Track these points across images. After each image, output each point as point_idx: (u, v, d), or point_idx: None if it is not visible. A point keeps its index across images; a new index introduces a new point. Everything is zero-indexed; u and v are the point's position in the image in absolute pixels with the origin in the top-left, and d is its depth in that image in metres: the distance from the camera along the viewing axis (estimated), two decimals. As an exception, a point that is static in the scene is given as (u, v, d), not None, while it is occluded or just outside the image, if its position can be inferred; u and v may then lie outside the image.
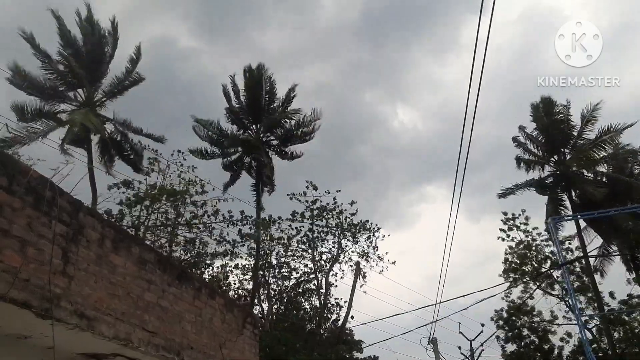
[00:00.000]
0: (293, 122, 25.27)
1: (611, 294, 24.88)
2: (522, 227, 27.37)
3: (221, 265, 24.00)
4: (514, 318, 27.29)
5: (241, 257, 24.67)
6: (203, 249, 22.23)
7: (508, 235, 27.60)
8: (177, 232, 20.97)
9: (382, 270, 26.83)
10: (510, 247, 27.30)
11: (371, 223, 26.86)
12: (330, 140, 77.60)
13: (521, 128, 25.65)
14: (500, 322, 27.36)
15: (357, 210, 26.49)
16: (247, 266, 25.43)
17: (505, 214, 27.68)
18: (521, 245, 27.20)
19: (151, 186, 20.76)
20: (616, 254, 24.79)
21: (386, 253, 27.43)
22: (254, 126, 25.77)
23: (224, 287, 23.08)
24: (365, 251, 26.91)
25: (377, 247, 27.01)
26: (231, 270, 24.84)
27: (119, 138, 23.25)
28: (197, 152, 24.88)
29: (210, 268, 23.29)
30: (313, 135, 25.44)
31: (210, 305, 7.69)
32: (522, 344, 26.96)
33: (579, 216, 23.64)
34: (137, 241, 6.65)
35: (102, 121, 22.59)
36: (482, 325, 28.19)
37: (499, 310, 27.91)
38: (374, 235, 26.86)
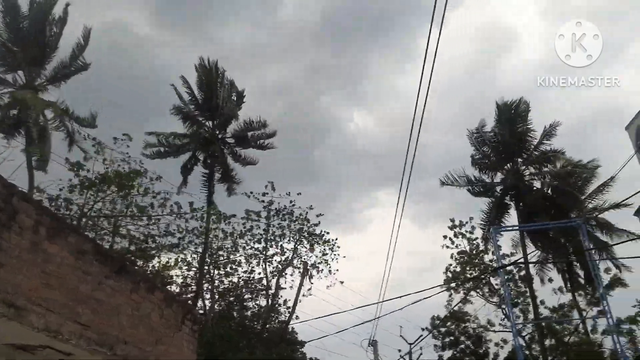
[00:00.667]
0: (245, 121, 25.18)
1: (542, 302, 25.89)
2: (467, 235, 28.01)
3: (164, 263, 23.45)
4: (449, 325, 27.94)
5: (187, 251, 24.21)
6: (148, 241, 21.69)
7: (452, 242, 28.18)
8: (121, 223, 20.37)
9: (329, 286, 26.89)
10: (455, 255, 27.95)
11: (334, 239, 27.05)
12: (287, 140, 77.56)
13: (477, 131, 26.10)
14: (435, 331, 27.95)
15: (320, 222, 26.54)
16: (192, 262, 25.01)
17: (452, 220, 28.29)
18: (464, 254, 27.88)
19: (99, 174, 20.04)
20: (549, 261, 25.78)
21: (337, 270, 27.41)
22: (209, 122, 25.46)
23: (168, 280, 22.57)
24: (318, 262, 26.98)
25: (332, 260, 27.13)
26: (176, 264, 24.33)
27: (59, 124, 22.20)
28: (152, 155, 24.36)
29: (155, 261, 22.72)
30: (268, 143, 25.46)
31: (148, 299, 7.55)
32: (458, 349, 27.69)
33: (518, 227, 24.55)
34: (75, 230, 6.46)
35: (43, 105, 21.65)
36: (423, 330, 28.78)
37: (435, 317, 28.52)
38: (332, 250, 27.01)
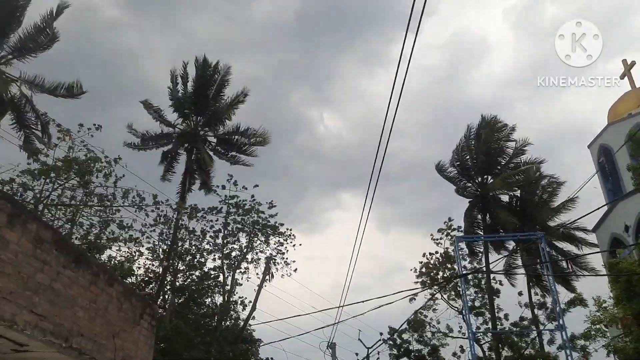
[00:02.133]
0: (235, 126, 25.06)
1: (505, 316, 26.39)
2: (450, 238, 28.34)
3: (124, 256, 22.97)
4: (407, 333, 28.16)
5: (147, 243, 23.80)
6: (106, 231, 21.20)
7: (439, 240, 28.48)
8: (81, 212, 19.87)
9: (284, 275, 26.78)
10: (428, 254, 28.28)
11: (287, 229, 26.88)
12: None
13: (458, 148, 26.74)
14: (391, 341, 28.19)
15: (277, 213, 26.43)
16: (155, 251, 24.60)
17: (450, 219, 28.61)
18: (442, 256, 28.21)
19: (59, 160, 19.44)
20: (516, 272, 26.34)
21: (293, 261, 27.30)
22: (194, 117, 25.19)
23: (128, 273, 22.11)
24: (274, 254, 26.87)
25: (286, 250, 26.96)
26: (138, 255, 23.86)
27: (23, 103, 21.13)
28: (131, 145, 24.08)
29: (114, 252, 22.23)
30: (253, 150, 25.30)
31: (107, 292, 7.38)
32: (412, 356, 27.97)
33: (482, 238, 25.09)
34: (35, 218, 6.27)
35: (7, 80, 20.59)
36: (382, 334, 29.02)
37: (392, 329, 28.68)
38: (286, 241, 26.87)
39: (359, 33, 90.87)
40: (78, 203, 19.89)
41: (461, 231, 27.51)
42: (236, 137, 25.10)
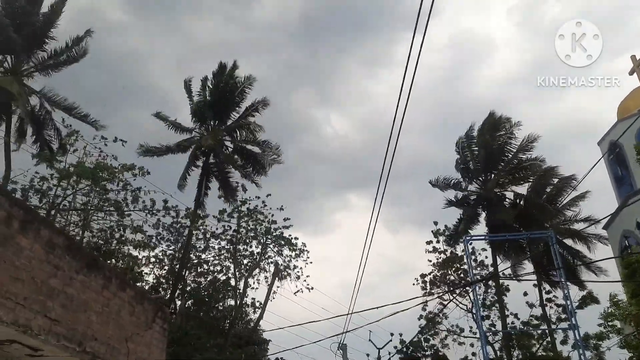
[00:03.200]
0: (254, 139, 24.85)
1: (515, 315, 26.21)
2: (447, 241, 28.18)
3: (138, 257, 23.15)
4: (414, 348, 28.03)
5: (160, 249, 23.99)
6: (120, 237, 21.42)
7: (434, 248, 28.35)
8: (93, 217, 20.08)
9: (297, 292, 26.97)
10: (434, 259, 28.16)
11: (302, 243, 27.15)
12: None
13: (458, 142, 26.56)
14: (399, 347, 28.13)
15: (291, 225, 26.56)
16: (164, 259, 24.77)
17: (435, 223, 28.44)
18: (443, 259, 28.06)
19: (73, 165, 19.69)
20: (526, 278, 26.12)
21: (308, 276, 27.49)
22: (213, 122, 25.01)
23: (140, 277, 22.30)
24: (286, 265, 27.03)
25: (299, 267, 27.23)
26: (148, 261, 24.07)
27: (43, 115, 21.70)
28: (148, 151, 23.76)
29: (124, 257, 22.42)
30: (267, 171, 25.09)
31: (119, 296, 7.46)
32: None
33: (489, 237, 24.89)
34: (48, 224, 6.35)
35: (28, 92, 21.09)
36: (392, 334, 28.96)
37: (401, 335, 28.53)
38: (299, 256, 27.10)
39: (363, 34, 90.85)
40: (91, 207, 20.11)
41: (449, 231, 27.58)
42: (253, 147, 24.83)
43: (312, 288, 27.15)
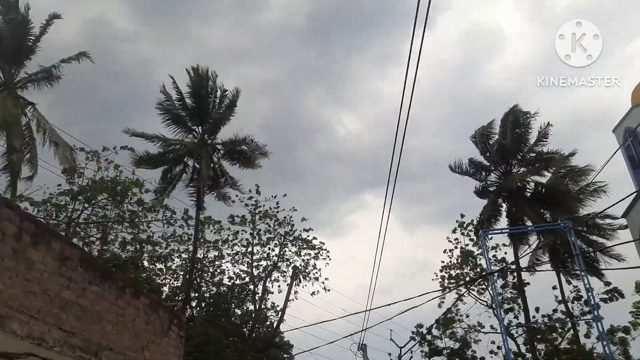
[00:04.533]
0: (241, 138, 24.47)
1: (536, 309, 25.89)
2: (470, 234, 28.04)
3: (152, 270, 23.40)
4: (437, 330, 27.82)
5: (174, 259, 24.21)
6: (140, 249, 21.68)
7: (457, 239, 28.21)
8: (110, 230, 20.35)
9: (314, 293, 27.05)
10: (455, 253, 28.01)
11: (321, 242, 27.29)
12: (272, 140, 77.55)
13: (477, 134, 26.45)
14: (419, 338, 27.92)
15: (311, 229, 26.70)
16: (178, 271, 24.98)
17: (462, 215, 28.28)
18: (462, 253, 27.90)
19: (91, 180, 19.94)
20: (543, 269, 25.83)
21: (326, 279, 27.60)
22: (198, 128, 24.73)
23: (155, 287, 22.53)
24: (304, 266, 27.18)
25: (317, 268, 27.37)
26: (165, 272, 24.34)
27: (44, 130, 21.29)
28: (138, 161, 22.82)
29: (144, 269, 22.67)
30: (257, 162, 24.63)
31: (134, 305, 7.51)
32: (445, 354, 27.62)
33: (507, 230, 24.66)
34: (59, 237, 6.42)
35: (23, 105, 20.62)
36: (413, 332, 28.81)
37: (418, 325, 28.38)
38: (319, 255, 27.25)
39: (372, 33, 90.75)
40: (108, 220, 20.38)
41: (473, 225, 27.33)
42: (242, 146, 24.51)
43: (329, 290, 27.24)
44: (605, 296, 23.92)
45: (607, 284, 24.22)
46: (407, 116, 7.80)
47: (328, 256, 27.40)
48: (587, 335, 24.21)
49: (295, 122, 78.32)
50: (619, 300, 23.99)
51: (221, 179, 24.17)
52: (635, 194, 22.82)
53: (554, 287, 25.45)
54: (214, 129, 24.36)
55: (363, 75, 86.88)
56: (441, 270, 28.31)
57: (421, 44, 6.62)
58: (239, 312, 26.35)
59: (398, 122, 7.91)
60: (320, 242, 27.39)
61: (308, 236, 26.99)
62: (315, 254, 27.18)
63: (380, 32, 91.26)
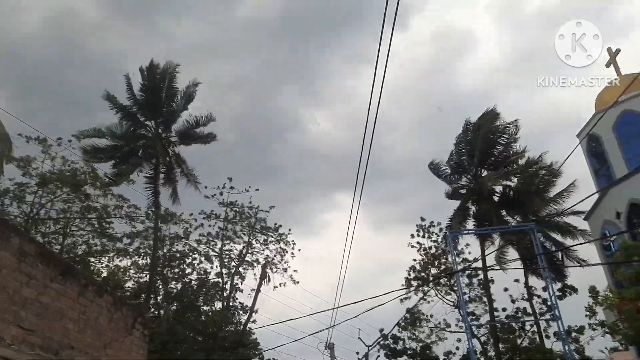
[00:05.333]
0: (194, 119, 24.28)
1: (504, 309, 26.41)
2: (434, 236, 28.50)
3: (113, 265, 22.94)
4: (399, 334, 28.21)
5: (138, 255, 23.82)
6: (95, 244, 21.19)
7: (418, 243, 28.59)
8: (71, 225, 19.83)
9: (281, 284, 27.09)
10: (421, 253, 28.34)
11: (289, 230, 27.32)
12: (245, 137, 77.05)
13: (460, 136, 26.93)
14: (385, 340, 28.25)
15: (280, 226, 26.71)
16: (143, 266, 24.60)
17: (422, 219, 28.70)
18: (428, 254, 28.27)
19: (47, 172, 19.34)
20: (511, 267, 26.32)
21: (295, 271, 27.66)
22: (151, 122, 24.43)
23: (119, 284, 22.12)
24: (272, 259, 27.14)
25: (285, 259, 27.39)
26: (127, 270, 23.91)
27: None
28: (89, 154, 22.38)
29: (101, 264, 22.20)
30: (209, 133, 24.62)
31: (97, 303, 7.38)
32: (408, 355, 28.05)
33: (474, 232, 25.09)
34: (17, 232, 6.26)
35: None
36: (382, 330, 29.06)
37: (381, 331, 28.73)
38: (285, 243, 27.24)
39: (345, 31, 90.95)
40: (70, 216, 19.86)
41: (441, 227, 27.88)
42: (195, 130, 24.36)
43: (298, 282, 27.29)
44: (559, 293, 24.52)
45: (563, 282, 24.87)
46: (376, 114, 7.86)
47: (293, 245, 27.53)
48: (547, 336, 24.83)
49: (267, 119, 77.86)
50: (576, 300, 24.65)
51: (177, 169, 23.93)
52: (596, 195, 23.49)
53: (516, 280, 26.10)
54: (170, 121, 24.18)
55: (335, 74, 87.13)
56: (408, 271, 28.69)
57: (390, 43, 6.68)
58: (206, 308, 26.14)
59: (367, 120, 7.96)
60: (288, 229, 27.47)
61: (276, 224, 27.06)
62: (280, 239, 27.23)
63: (354, 30, 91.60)
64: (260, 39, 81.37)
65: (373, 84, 7.21)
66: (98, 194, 20.27)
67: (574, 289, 24.26)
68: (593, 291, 18.07)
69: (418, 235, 28.71)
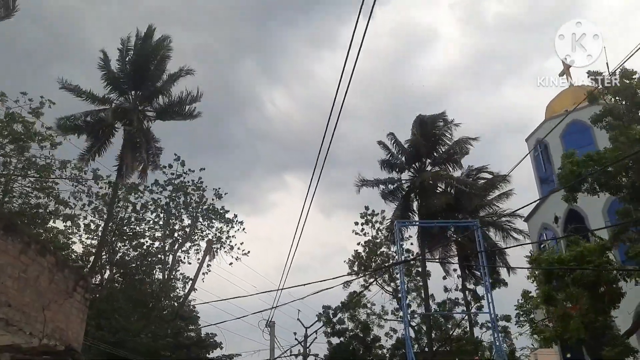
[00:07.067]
0: (177, 97, 23.65)
1: (432, 296, 27.50)
2: (377, 225, 29.23)
3: (63, 227, 22.37)
4: (340, 315, 29.05)
5: (84, 218, 23.28)
6: (45, 204, 20.58)
7: (362, 230, 29.26)
8: (14, 180, 19.12)
9: (232, 263, 27.38)
10: (362, 243, 28.97)
11: (234, 215, 27.45)
12: (201, 108, 75.52)
13: (390, 135, 27.41)
14: (326, 319, 29.01)
15: (225, 193, 26.69)
16: (92, 227, 24.05)
17: (367, 208, 29.36)
18: (371, 243, 28.98)
19: None
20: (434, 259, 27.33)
21: (242, 243, 27.90)
22: (132, 92, 23.66)
23: (66, 247, 21.59)
24: (219, 236, 27.25)
25: (231, 236, 27.54)
26: (73, 231, 23.32)
27: None
28: (66, 127, 21.63)
29: (50, 226, 21.60)
30: (195, 109, 23.94)
31: (38, 262, 7.17)
32: (347, 335, 28.96)
33: (419, 223, 25.88)
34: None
35: None
36: (320, 314, 29.65)
37: (326, 307, 29.47)
38: (231, 226, 27.42)
39: (310, 11, 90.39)
40: (12, 171, 19.14)
41: (385, 216, 28.69)
42: (176, 108, 23.82)
43: (248, 252, 27.59)
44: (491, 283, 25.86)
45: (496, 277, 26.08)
46: (342, 103, 7.91)
47: (241, 227, 27.75)
48: (475, 324, 26.12)
49: (225, 92, 76.79)
50: (507, 296, 26.02)
51: (147, 145, 23.26)
52: (537, 200, 24.46)
53: (444, 278, 27.36)
54: (150, 95, 23.57)
55: (297, 55, 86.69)
56: (352, 260, 29.34)
57: (363, 37, 6.72)
58: (148, 279, 25.93)
59: (332, 109, 7.98)
60: (234, 214, 27.68)
61: (222, 207, 27.20)
62: (226, 224, 27.42)
63: (319, 12, 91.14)
64: (223, 11, 79.82)
65: (342, 72, 7.24)
66: (42, 152, 19.66)
67: (504, 283, 25.65)
68: (526, 295, 19.05)
69: (363, 224, 29.45)
